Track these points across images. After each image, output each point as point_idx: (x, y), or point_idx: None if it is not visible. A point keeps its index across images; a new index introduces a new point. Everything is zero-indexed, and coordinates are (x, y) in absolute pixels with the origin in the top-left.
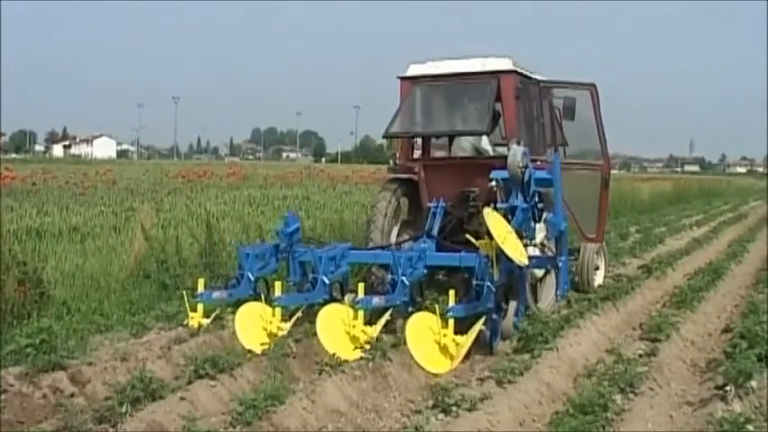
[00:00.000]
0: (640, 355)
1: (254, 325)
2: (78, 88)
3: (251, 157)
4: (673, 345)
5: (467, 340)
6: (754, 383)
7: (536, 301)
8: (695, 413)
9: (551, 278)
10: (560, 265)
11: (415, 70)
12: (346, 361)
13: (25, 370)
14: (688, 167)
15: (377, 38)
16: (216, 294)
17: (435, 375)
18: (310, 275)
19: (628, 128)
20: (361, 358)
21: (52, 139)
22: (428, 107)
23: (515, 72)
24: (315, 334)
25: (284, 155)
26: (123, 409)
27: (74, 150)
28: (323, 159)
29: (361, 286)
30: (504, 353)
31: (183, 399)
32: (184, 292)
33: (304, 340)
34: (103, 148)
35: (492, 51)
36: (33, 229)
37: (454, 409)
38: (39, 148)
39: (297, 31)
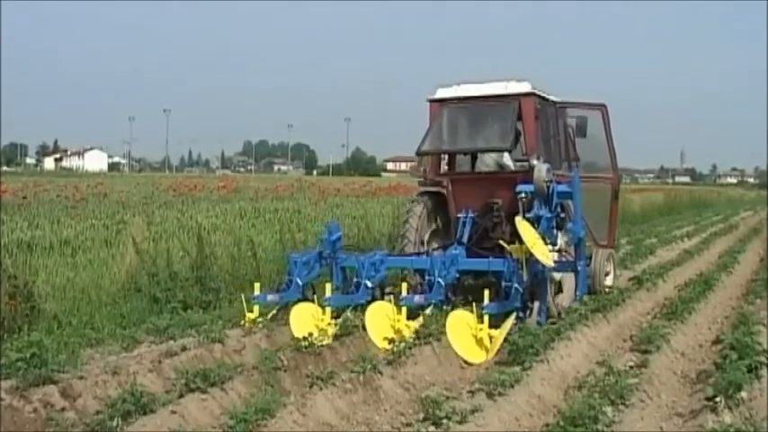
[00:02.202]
0: (631, 367)
1: (307, 322)
2: (69, 101)
3: (242, 169)
4: (663, 356)
5: (500, 334)
6: (744, 394)
7: (556, 300)
8: (686, 424)
9: (570, 280)
10: (579, 268)
11: (442, 93)
12: (337, 374)
13: (16, 384)
14: (679, 178)
15: (369, 48)
16: (270, 297)
17: (471, 365)
18: (354, 279)
19: (619, 139)
20: (352, 371)
21: (43, 151)
22: (455, 127)
23: (534, 94)
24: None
25: (275, 167)
26: (114, 423)
27: (65, 163)
28: (314, 172)
29: (404, 285)
30: (495, 365)
31: (173, 412)
32: (243, 295)
33: (295, 353)
34: (95, 161)
35: (484, 53)
36: (24, 242)
37: (445, 421)
38: (30, 160)
39: (288, 42)
